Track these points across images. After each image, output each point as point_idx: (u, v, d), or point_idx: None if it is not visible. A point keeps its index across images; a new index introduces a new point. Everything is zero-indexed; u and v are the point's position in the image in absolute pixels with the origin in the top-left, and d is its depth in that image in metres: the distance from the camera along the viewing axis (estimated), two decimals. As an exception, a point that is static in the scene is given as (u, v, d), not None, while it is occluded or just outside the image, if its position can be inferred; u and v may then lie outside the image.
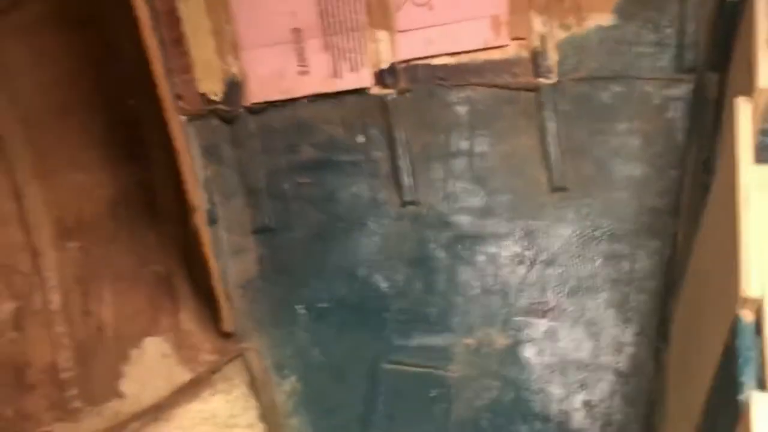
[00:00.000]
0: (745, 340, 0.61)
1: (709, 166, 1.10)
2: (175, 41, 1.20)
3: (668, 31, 1.25)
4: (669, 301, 1.16)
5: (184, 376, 1.23)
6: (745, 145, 0.82)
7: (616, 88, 1.27)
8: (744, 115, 0.86)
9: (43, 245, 1.26)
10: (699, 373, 0.77)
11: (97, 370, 1.24)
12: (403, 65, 1.29)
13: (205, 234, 1.15)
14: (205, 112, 1.23)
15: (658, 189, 1.24)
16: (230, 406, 1.23)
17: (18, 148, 1.24)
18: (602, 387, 1.16)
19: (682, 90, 1.25)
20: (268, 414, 1.23)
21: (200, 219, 1.14)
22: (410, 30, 1.27)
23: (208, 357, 1.24)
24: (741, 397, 0.57)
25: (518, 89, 1.29)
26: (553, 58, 1.28)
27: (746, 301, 0.64)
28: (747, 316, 0.63)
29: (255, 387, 1.24)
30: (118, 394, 1.23)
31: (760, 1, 1.01)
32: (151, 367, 1.24)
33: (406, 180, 1.28)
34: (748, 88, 0.89)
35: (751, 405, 0.55)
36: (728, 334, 0.65)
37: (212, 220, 1.20)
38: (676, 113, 1.25)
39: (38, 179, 1.26)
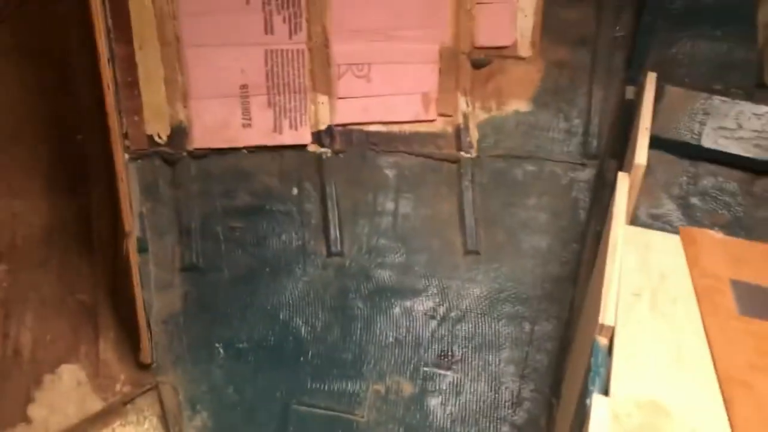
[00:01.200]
0: (598, 359, 0.71)
1: (600, 236, 1.23)
2: (129, 84, 1.29)
3: (576, 121, 1.42)
4: (563, 360, 1.26)
5: (96, 404, 1.24)
6: (621, 208, 0.95)
7: (529, 167, 1.42)
8: (622, 185, 0.99)
9: (-30, 266, 1.28)
10: (571, 400, 0.86)
11: (8, 392, 1.23)
12: (340, 128, 1.41)
13: (135, 260, 1.19)
14: (149, 152, 1.31)
15: (561, 259, 1.36)
16: (138, 437, 1.24)
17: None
18: (498, 438, 1.22)
19: (586, 173, 1.40)
20: (175, 447, 1.25)
21: (132, 245, 1.19)
22: (349, 97, 1.40)
23: (122, 387, 1.26)
24: (587, 401, 0.65)
25: (441, 160, 1.43)
26: (474, 135, 1.43)
27: (603, 328, 0.74)
28: (602, 340, 0.73)
29: (165, 420, 1.25)
30: (26, 419, 1.23)
31: (646, 98, 1.19)
32: (64, 393, 1.24)
33: (334, 232, 1.38)
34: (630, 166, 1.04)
35: (592, 405, 0.63)
36: (588, 357, 0.75)
37: (142, 249, 1.25)
38: (580, 193, 1.40)
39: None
